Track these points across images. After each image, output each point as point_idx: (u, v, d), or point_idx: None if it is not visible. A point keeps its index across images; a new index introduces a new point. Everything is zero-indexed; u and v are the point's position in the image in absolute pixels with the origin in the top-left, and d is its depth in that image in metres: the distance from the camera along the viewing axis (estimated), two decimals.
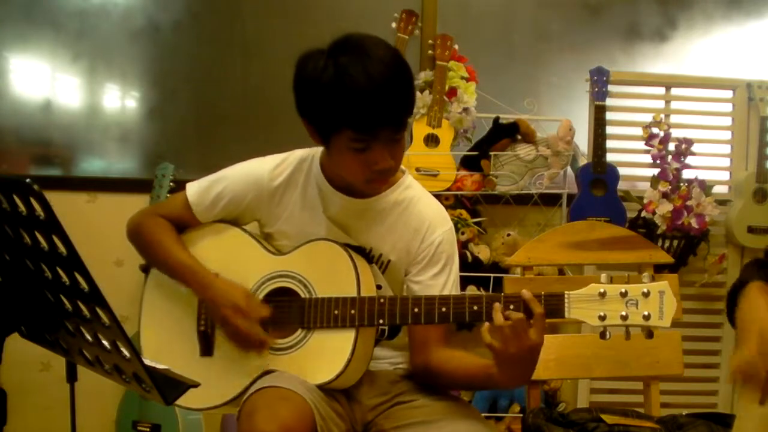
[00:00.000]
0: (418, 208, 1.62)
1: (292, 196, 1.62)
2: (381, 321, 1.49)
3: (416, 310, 1.47)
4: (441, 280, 1.59)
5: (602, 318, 1.35)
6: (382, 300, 1.49)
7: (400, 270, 1.62)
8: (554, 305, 1.38)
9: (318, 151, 1.62)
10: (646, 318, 1.34)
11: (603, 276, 1.37)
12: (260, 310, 1.53)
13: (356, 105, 1.39)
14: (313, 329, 1.52)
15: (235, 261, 1.62)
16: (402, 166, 1.66)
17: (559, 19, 3.16)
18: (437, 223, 1.61)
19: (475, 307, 1.43)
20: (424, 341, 1.58)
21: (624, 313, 1.35)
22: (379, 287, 1.60)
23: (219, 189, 1.63)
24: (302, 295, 1.55)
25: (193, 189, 1.65)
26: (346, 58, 1.40)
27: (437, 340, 1.57)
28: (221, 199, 1.63)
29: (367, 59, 1.40)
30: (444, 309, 1.46)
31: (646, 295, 1.34)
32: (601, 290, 1.36)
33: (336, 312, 1.50)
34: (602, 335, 1.36)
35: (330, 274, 1.54)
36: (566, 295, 1.38)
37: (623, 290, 1.35)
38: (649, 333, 1.36)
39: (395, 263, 1.61)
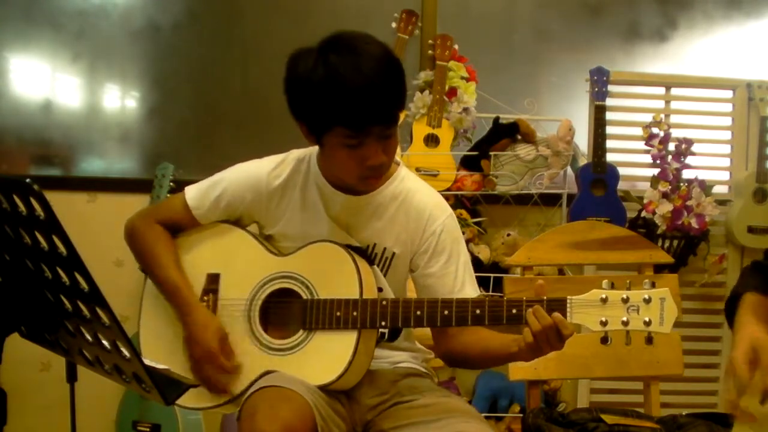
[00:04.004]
0: (417, 199, 1.62)
1: (291, 196, 1.62)
2: (383, 323, 1.50)
3: (418, 313, 1.48)
4: (452, 268, 1.60)
5: (604, 323, 1.36)
6: (384, 302, 1.49)
7: (405, 262, 1.62)
8: (556, 310, 1.38)
9: (315, 150, 1.62)
10: (647, 324, 1.35)
11: (605, 282, 1.39)
12: (226, 359, 1.54)
13: (347, 103, 1.39)
14: (315, 330, 1.52)
15: (237, 262, 1.62)
16: (397, 158, 1.66)
17: (559, 19, 3.16)
18: (437, 212, 1.61)
19: (478, 311, 1.44)
20: (441, 330, 1.59)
21: (625, 319, 1.36)
22: (380, 290, 1.60)
23: (218, 192, 1.63)
24: (304, 297, 1.55)
25: (191, 193, 1.65)
26: (336, 57, 1.40)
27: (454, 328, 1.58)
28: (220, 202, 1.63)
29: (357, 57, 1.40)
30: (446, 312, 1.46)
31: (648, 301, 1.35)
32: (603, 296, 1.37)
33: (338, 313, 1.50)
34: (603, 340, 1.37)
35: (332, 276, 1.53)
36: (568, 301, 1.39)
37: (625, 296, 1.36)
38: (649, 339, 1.37)
39: (400, 255, 1.61)
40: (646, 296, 1.35)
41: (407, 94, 1.54)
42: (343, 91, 1.39)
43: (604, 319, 1.36)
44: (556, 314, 1.37)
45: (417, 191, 1.63)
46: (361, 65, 1.39)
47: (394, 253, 1.61)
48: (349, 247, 1.56)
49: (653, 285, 1.37)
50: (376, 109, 1.41)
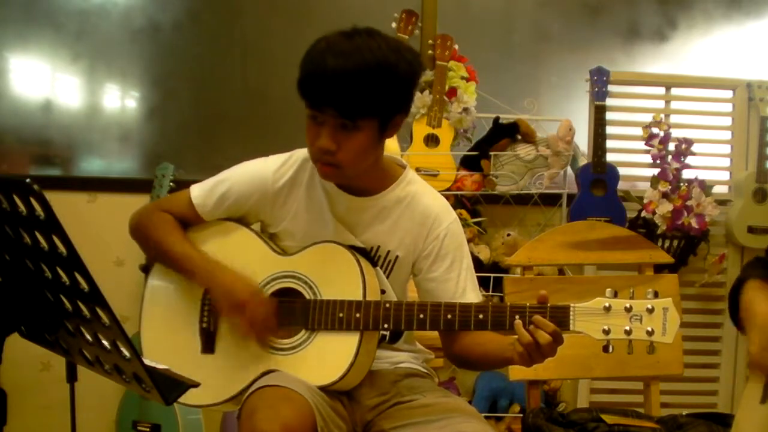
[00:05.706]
0: (423, 203, 1.62)
1: (296, 196, 1.62)
2: (386, 326, 1.50)
3: (421, 316, 1.48)
4: (454, 273, 1.60)
5: (606, 332, 1.36)
6: (387, 305, 1.49)
7: (407, 265, 1.63)
8: (559, 318, 1.38)
9: None
10: (650, 333, 1.35)
11: (608, 290, 1.39)
12: (265, 309, 1.52)
13: (304, 71, 1.44)
14: (317, 331, 1.52)
15: (240, 260, 1.61)
16: (403, 161, 1.67)
17: (559, 19, 3.16)
18: (442, 216, 1.62)
19: (480, 316, 1.45)
20: (446, 333, 1.60)
21: (628, 328, 1.36)
22: (382, 292, 1.60)
23: (223, 190, 1.62)
24: (307, 297, 1.55)
25: (197, 190, 1.64)
26: (329, 37, 1.45)
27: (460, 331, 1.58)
28: (225, 200, 1.63)
29: (341, 42, 1.43)
30: (450, 316, 1.46)
31: (651, 311, 1.35)
32: (606, 304, 1.37)
33: (341, 315, 1.50)
34: (605, 349, 1.37)
35: (336, 277, 1.53)
36: (571, 308, 1.39)
37: (628, 305, 1.36)
38: (651, 348, 1.37)
39: (403, 259, 1.61)
40: (650, 306, 1.35)
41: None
42: (305, 60, 1.44)
43: (606, 328, 1.36)
44: (550, 323, 1.37)
45: (423, 195, 1.63)
46: (335, 48, 1.42)
47: (397, 256, 1.61)
48: (352, 248, 1.56)
49: (656, 294, 1.37)
50: (327, 89, 1.41)
